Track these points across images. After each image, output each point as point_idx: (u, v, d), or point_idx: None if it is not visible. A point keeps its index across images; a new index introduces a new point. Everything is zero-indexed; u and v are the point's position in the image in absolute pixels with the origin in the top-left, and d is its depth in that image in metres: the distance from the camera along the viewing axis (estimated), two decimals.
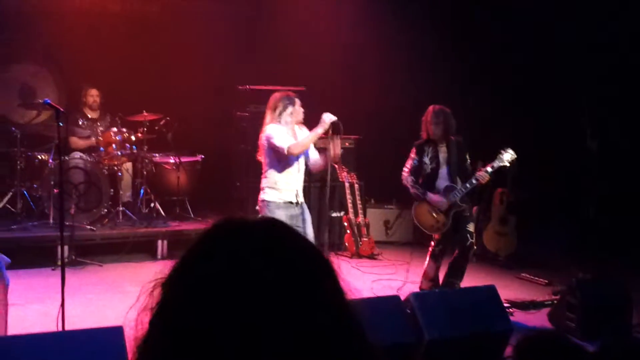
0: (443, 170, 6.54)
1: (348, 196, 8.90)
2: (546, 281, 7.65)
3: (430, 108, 6.53)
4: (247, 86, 9.10)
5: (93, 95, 8.95)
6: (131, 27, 9.77)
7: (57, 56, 9.43)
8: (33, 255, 7.62)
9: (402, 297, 5.29)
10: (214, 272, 0.91)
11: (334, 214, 9.01)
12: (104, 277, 7.44)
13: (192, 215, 9.03)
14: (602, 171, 7.78)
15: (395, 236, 9.76)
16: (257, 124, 8.47)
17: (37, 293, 6.66)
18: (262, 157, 5.98)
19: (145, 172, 8.77)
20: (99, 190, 8.25)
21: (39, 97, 8.70)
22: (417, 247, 7.69)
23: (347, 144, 9.18)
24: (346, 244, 8.95)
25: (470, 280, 6.83)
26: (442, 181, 6.53)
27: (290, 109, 5.88)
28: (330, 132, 5.99)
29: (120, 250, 8.10)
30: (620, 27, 8.51)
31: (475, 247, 6.84)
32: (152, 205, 8.78)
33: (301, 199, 5.99)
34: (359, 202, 8.95)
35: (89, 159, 8.34)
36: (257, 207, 6.10)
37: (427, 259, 6.66)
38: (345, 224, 8.94)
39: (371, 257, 8.83)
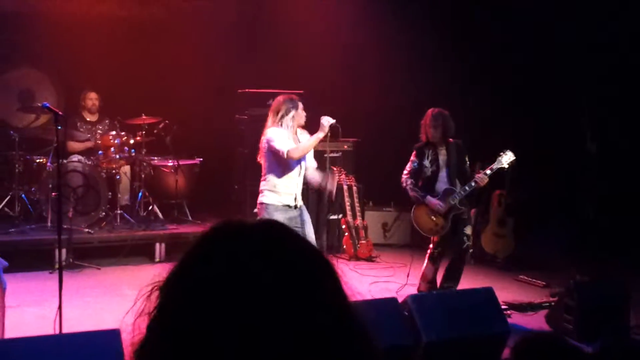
0: (443, 173, 6.54)
1: (346, 199, 8.90)
2: (544, 283, 7.66)
3: (429, 111, 6.53)
4: (246, 89, 9.10)
5: (92, 98, 8.95)
6: (130, 31, 9.77)
7: (56, 59, 9.42)
8: (31, 259, 7.61)
9: (402, 299, 5.29)
10: (212, 274, 0.91)
11: (332, 217, 9.01)
12: (102, 280, 7.44)
13: (190, 218, 9.02)
14: (602, 171, 7.80)
15: (394, 239, 9.76)
16: (256, 127, 8.48)
17: (34, 296, 6.65)
18: (262, 160, 5.99)
19: (143, 175, 8.77)
20: (97, 194, 8.25)
21: (38, 100, 8.70)
22: (416, 250, 7.69)
23: (345, 146, 9.19)
24: (344, 247, 8.95)
25: (468, 282, 6.83)
26: (442, 184, 6.54)
27: (292, 112, 5.88)
28: (329, 136, 6.01)
29: (118, 254, 8.10)
30: (620, 27, 8.52)
31: (471, 250, 6.85)
32: (150, 208, 8.78)
33: (300, 203, 5.99)
34: (357, 204, 8.95)
35: (87, 163, 8.34)
36: (256, 210, 6.11)
37: (426, 261, 6.67)
38: (344, 226, 8.94)
39: (369, 259, 8.83)
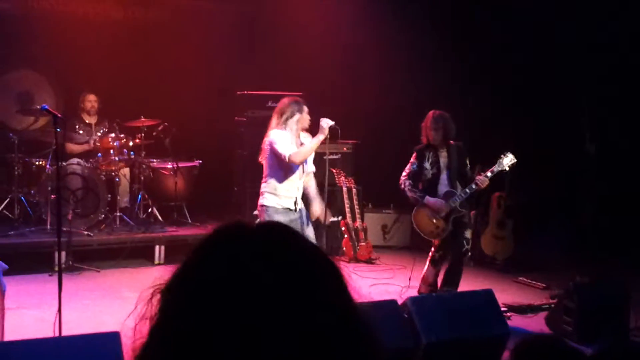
0: (443, 176, 6.51)
1: (346, 201, 8.90)
2: (543, 285, 7.66)
3: (430, 113, 6.50)
4: (245, 91, 9.10)
5: (91, 100, 8.94)
6: (128, 33, 9.77)
7: (55, 62, 9.42)
8: (30, 261, 7.61)
9: (402, 301, 5.29)
10: (213, 277, 0.91)
11: (332, 219, 9.00)
12: (101, 283, 7.43)
13: (190, 221, 9.02)
14: (602, 171, 7.79)
15: (393, 241, 9.76)
16: (255, 129, 8.49)
17: (34, 299, 6.65)
18: (263, 161, 5.98)
19: (142, 178, 8.77)
20: (96, 196, 8.24)
21: (37, 103, 8.69)
22: (416, 252, 7.70)
23: (344, 148, 9.18)
24: (344, 249, 8.95)
25: (468, 284, 6.83)
26: (443, 187, 6.51)
27: (297, 116, 5.87)
28: (328, 137, 6.00)
29: (118, 256, 8.10)
30: (620, 27, 8.53)
31: (470, 254, 6.85)
32: (149, 210, 8.78)
33: (300, 206, 5.99)
34: (356, 206, 8.94)
35: (87, 165, 8.34)
36: (256, 212, 6.11)
37: (427, 264, 6.65)
38: (343, 228, 8.94)
39: (369, 261, 8.83)
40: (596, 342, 4.90)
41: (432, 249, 6.65)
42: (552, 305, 6.50)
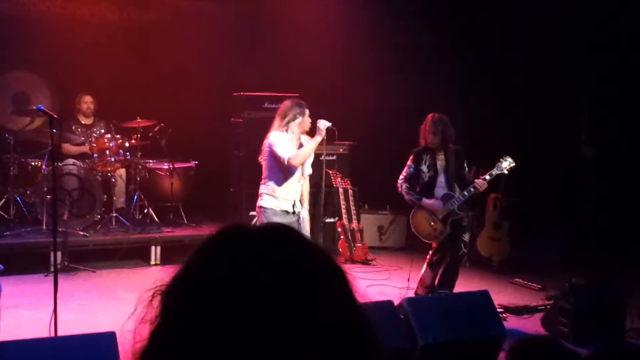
0: (441, 179, 6.50)
1: (342, 202, 8.90)
2: (539, 286, 7.66)
3: (429, 117, 6.47)
4: (241, 92, 9.10)
5: (87, 102, 8.93)
6: (125, 34, 9.76)
7: (51, 63, 9.40)
8: (26, 262, 7.60)
9: (398, 302, 5.30)
10: (215, 278, 0.91)
11: (328, 220, 9.00)
12: (97, 283, 7.42)
13: (186, 221, 9.01)
14: (602, 171, 7.80)
15: (389, 242, 9.76)
16: (252, 130, 8.51)
17: (29, 299, 6.64)
18: (263, 162, 5.99)
19: (138, 179, 8.76)
20: (92, 197, 8.23)
21: (33, 103, 8.68)
22: (413, 253, 7.69)
23: (341, 150, 9.19)
24: (340, 250, 8.95)
25: (464, 285, 6.83)
26: (440, 189, 6.49)
27: (299, 119, 5.89)
28: (325, 139, 6.01)
29: (114, 256, 8.09)
30: (620, 27, 8.54)
31: (466, 257, 6.85)
32: (145, 211, 8.77)
33: (298, 209, 5.99)
34: (352, 207, 8.95)
35: (83, 166, 8.33)
36: (253, 213, 6.11)
37: (425, 266, 6.64)
38: (339, 229, 8.94)
39: (365, 262, 8.83)
40: (592, 344, 4.92)
41: (430, 252, 6.64)
42: (548, 307, 6.50)
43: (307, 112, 5.94)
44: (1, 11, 9.24)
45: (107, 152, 8.46)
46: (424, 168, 6.50)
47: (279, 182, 5.88)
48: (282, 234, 0.98)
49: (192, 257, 0.96)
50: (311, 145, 5.89)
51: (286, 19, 9.99)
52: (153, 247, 8.34)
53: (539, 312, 6.62)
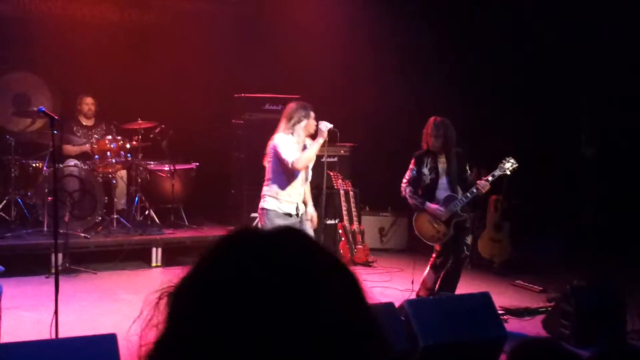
0: (443, 181, 6.49)
1: (343, 203, 8.90)
2: (540, 288, 7.66)
3: (431, 120, 6.46)
4: (242, 94, 9.10)
5: (88, 103, 8.94)
6: (126, 36, 9.77)
7: (52, 64, 9.41)
8: (27, 263, 7.61)
9: (399, 304, 5.30)
10: (224, 281, 0.91)
11: (329, 222, 9.00)
12: (98, 285, 7.42)
13: (187, 223, 9.01)
14: (602, 171, 7.79)
15: (390, 243, 9.76)
16: (252, 131, 8.53)
17: (30, 301, 6.64)
18: (267, 164, 5.98)
19: (139, 180, 8.76)
20: (93, 198, 8.24)
21: (34, 105, 8.70)
22: (414, 255, 7.67)
23: (342, 151, 9.19)
24: (341, 252, 8.94)
25: (465, 287, 6.83)
26: (442, 192, 6.49)
27: (304, 122, 5.88)
28: (326, 140, 6.01)
29: (115, 258, 8.09)
30: (620, 27, 8.53)
31: (467, 260, 6.85)
32: (146, 212, 8.77)
33: (301, 211, 5.99)
34: (353, 209, 8.95)
35: (84, 167, 8.33)
36: (255, 214, 6.10)
37: (428, 268, 6.62)
38: (340, 231, 8.94)
39: (366, 264, 8.83)
40: (593, 346, 4.91)
41: (434, 254, 6.62)
42: (549, 309, 6.50)
43: (312, 114, 5.92)
44: (2, 12, 9.25)
45: (108, 153, 8.47)
46: (426, 171, 6.49)
47: (283, 185, 5.88)
48: (291, 236, 0.99)
49: (201, 259, 0.96)
50: (314, 147, 5.89)
51: (286, 19, 9.99)
52: (154, 249, 8.34)
53: (540, 314, 6.62)
